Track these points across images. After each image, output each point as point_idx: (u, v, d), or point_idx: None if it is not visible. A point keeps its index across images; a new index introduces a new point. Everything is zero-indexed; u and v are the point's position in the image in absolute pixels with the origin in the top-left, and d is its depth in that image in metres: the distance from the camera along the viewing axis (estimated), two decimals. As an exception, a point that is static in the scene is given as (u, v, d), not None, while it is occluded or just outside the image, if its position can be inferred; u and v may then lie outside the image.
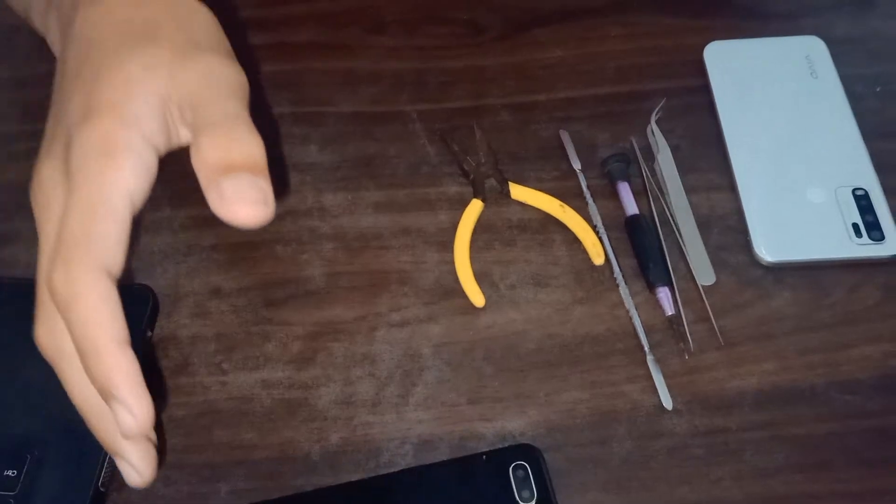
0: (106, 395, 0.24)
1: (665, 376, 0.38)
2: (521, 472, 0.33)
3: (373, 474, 0.36)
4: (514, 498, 0.32)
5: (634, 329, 0.39)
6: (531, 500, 0.32)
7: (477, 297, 0.40)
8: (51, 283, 0.25)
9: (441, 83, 0.48)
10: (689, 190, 0.43)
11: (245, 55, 0.48)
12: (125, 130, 0.26)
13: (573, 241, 0.42)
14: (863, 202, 0.41)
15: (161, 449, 0.37)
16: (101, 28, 0.28)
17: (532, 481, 0.33)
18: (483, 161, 0.44)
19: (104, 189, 0.25)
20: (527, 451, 0.34)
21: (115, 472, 0.36)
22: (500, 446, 0.35)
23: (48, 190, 0.27)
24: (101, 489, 0.35)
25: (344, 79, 0.48)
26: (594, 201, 0.43)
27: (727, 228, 0.42)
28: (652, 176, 0.44)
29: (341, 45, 0.49)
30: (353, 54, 0.49)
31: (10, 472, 0.34)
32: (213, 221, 0.26)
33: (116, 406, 0.24)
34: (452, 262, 0.41)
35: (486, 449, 0.35)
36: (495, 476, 0.33)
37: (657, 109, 0.45)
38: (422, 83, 0.48)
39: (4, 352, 0.38)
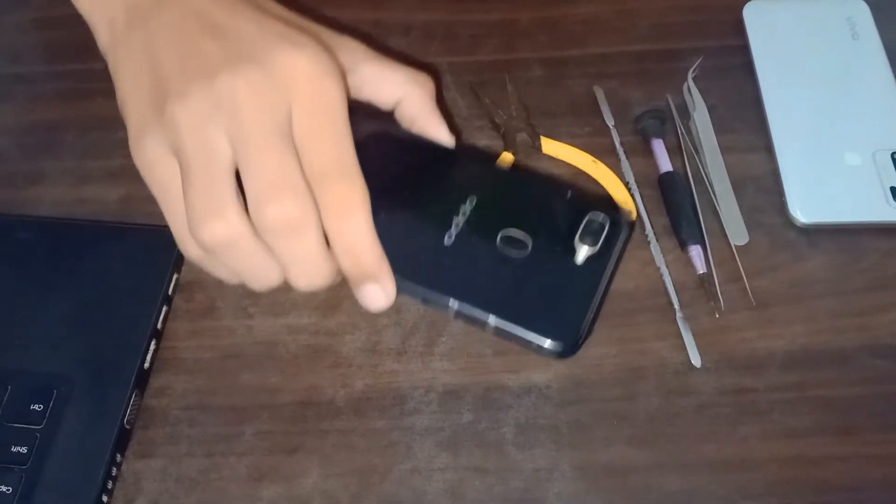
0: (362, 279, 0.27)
1: (694, 334, 0.38)
2: (595, 226, 0.28)
3: (398, 420, 0.36)
4: (574, 236, 0.28)
5: (664, 287, 0.39)
6: (591, 246, 0.28)
7: (505, 250, 0.40)
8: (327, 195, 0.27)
9: (472, 36, 0.47)
10: (725, 150, 0.42)
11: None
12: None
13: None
14: (901, 166, 0.41)
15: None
16: None
17: (603, 235, 0.28)
18: (514, 115, 0.43)
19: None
20: (614, 211, 0.29)
21: (139, 411, 0.36)
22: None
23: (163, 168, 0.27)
24: (127, 426, 0.35)
25: (372, 29, 0.47)
26: (627, 158, 0.42)
27: (762, 189, 0.41)
28: (687, 134, 0.43)
29: (371, -5, 0.49)
30: (381, 4, 0.48)
31: (36, 407, 0.34)
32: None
33: (372, 287, 0.27)
34: (481, 215, 0.41)
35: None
36: (569, 213, 0.29)
37: (694, 66, 0.44)
38: (452, 35, 0.47)
39: (32, 288, 0.38)
